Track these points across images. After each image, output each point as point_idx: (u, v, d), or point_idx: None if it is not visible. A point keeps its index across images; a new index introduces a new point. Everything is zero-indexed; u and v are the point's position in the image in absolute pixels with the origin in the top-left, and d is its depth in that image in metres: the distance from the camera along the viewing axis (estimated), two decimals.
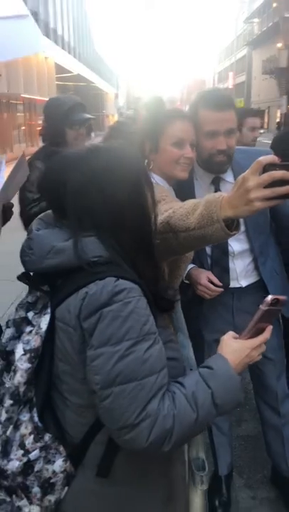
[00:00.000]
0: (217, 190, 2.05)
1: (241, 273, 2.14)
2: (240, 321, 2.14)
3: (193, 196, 1.97)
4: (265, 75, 48.22)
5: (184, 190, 1.93)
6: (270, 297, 1.11)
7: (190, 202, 1.36)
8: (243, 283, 2.15)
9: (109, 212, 1.09)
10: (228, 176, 2.04)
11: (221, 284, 2.03)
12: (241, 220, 1.31)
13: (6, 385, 1.13)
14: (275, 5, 44.84)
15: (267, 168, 1.09)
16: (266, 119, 47.00)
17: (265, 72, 47.50)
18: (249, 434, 2.95)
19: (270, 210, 2.12)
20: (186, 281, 2.07)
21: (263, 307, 1.12)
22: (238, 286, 2.15)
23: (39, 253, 1.09)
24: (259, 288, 2.15)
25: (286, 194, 1.08)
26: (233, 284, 2.13)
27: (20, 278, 1.18)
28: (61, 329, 1.07)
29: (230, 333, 1.20)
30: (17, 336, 1.17)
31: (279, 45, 43.28)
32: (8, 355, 1.17)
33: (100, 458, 1.11)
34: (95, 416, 1.09)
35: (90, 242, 1.06)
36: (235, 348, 1.15)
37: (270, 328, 1.17)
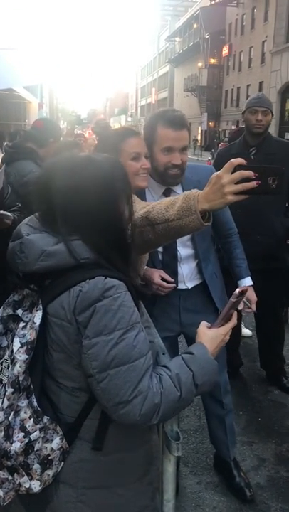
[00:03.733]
0: None
1: (187, 276, 2.36)
2: (185, 319, 2.39)
3: None
4: (186, 92, 49.98)
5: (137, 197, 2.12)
6: (238, 290, 1.32)
7: (166, 199, 1.56)
8: (189, 285, 2.37)
9: (90, 217, 1.20)
10: (178, 189, 2.26)
11: (172, 280, 2.23)
12: None
13: None
14: (195, 26, 46.71)
15: (237, 168, 1.32)
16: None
17: (187, 90, 49.29)
18: (190, 428, 3.17)
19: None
20: (142, 283, 2.25)
21: (233, 299, 1.32)
22: (184, 288, 2.36)
23: (31, 256, 1.18)
24: (202, 289, 2.39)
25: (252, 189, 1.31)
26: (180, 286, 2.35)
27: (11, 278, 1.28)
28: (55, 324, 1.19)
29: (204, 323, 1.39)
30: (4, 333, 1.28)
31: (200, 64, 45.13)
32: None
33: (95, 431, 1.25)
34: (87, 396, 1.23)
35: (77, 245, 1.19)
36: (211, 336, 1.34)
37: (235, 314, 1.37)
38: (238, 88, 39.22)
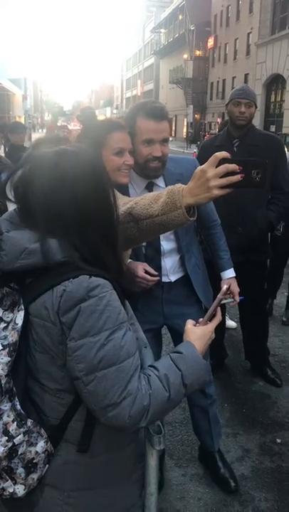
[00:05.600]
0: None
1: (170, 269, 2.35)
2: (168, 311, 2.39)
3: None
4: (172, 84, 49.80)
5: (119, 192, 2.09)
6: (225, 287, 1.33)
7: (150, 194, 1.53)
8: (172, 278, 2.37)
9: (80, 213, 1.15)
10: (160, 182, 2.23)
11: (156, 273, 2.22)
12: None
13: None
14: (181, 17, 46.50)
15: (221, 162, 1.31)
16: (173, 128, 48.43)
17: (172, 82, 49.07)
18: (175, 420, 3.18)
19: None
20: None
21: (220, 296, 1.32)
22: (167, 281, 2.36)
23: (12, 254, 1.13)
24: (185, 282, 2.39)
25: (236, 182, 1.30)
26: (163, 280, 2.34)
27: None
28: (37, 324, 1.15)
29: (190, 321, 1.36)
30: None
31: (185, 56, 44.98)
32: None
33: (80, 433, 1.22)
34: (72, 397, 1.20)
35: (55, 243, 1.13)
36: (200, 335, 1.31)
37: (219, 310, 1.36)
38: (224, 80, 39.19)
